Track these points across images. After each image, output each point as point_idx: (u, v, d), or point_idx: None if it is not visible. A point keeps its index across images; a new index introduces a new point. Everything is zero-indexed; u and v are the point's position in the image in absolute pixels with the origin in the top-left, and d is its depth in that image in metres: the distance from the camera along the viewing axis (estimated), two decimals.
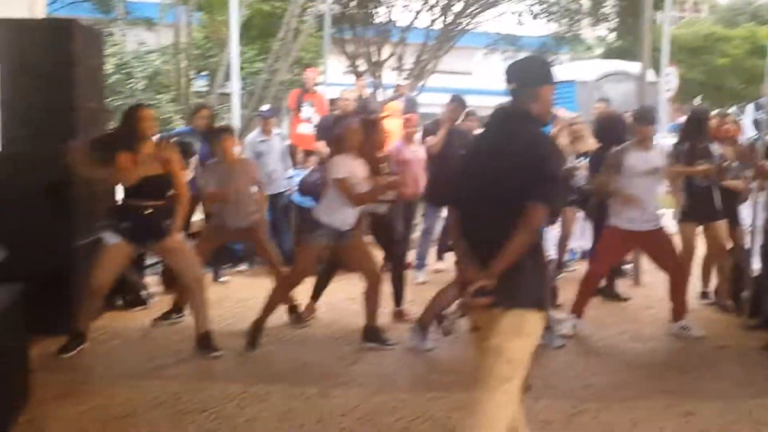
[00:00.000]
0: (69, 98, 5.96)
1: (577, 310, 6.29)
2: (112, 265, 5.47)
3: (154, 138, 5.43)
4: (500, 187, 3.24)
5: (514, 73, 3.42)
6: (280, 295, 6.01)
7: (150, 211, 5.40)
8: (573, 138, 7.91)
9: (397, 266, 6.73)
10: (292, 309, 6.46)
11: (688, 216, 6.92)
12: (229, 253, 8.15)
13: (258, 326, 5.83)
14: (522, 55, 4.57)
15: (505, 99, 3.47)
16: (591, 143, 7.75)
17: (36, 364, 4.86)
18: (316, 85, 10.67)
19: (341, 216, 5.70)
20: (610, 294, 7.51)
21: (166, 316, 6.39)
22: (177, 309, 6.39)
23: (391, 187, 6.07)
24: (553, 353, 5.77)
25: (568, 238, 8.06)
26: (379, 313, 6.01)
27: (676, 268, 6.24)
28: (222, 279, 7.84)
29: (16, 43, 5.94)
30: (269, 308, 5.90)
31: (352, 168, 5.67)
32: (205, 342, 5.61)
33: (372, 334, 5.92)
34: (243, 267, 8.45)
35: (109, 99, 13.48)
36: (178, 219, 5.48)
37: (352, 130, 5.75)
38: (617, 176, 6.19)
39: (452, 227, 3.56)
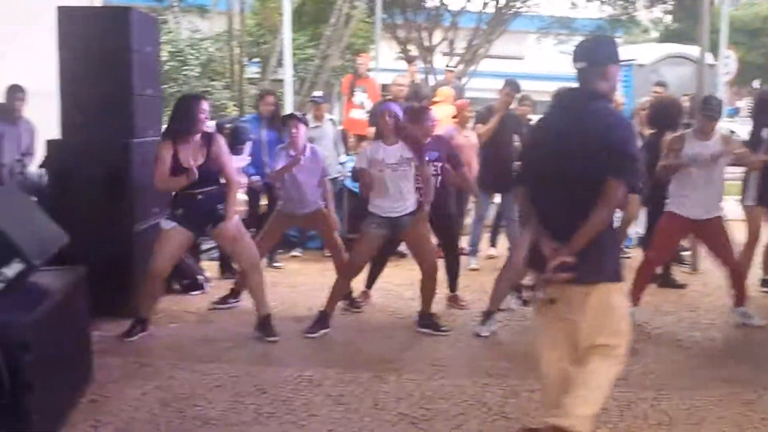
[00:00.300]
0: (127, 86, 6.03)
1: (634, 297, 6.21)
2: (171, 251, 5.55)
3: (210, 124, 5.44)
4: (575, 166, 3.31)
5: (582, 52, 3.47)
6: (343, 284, 6.03)
7: (201, 197, 5.46)
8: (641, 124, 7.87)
9: (451, 252, 6.71)
10: (347, 295, 6.50)
11: (758, 201, 6.76)
12: (283, 238, 8.21)
13: (324, 315, 5.87)
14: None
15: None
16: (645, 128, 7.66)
17: (97, 347, 4.95)
18: (368, 70, 10.68)
19: (390, 203, 5.70)
20: (667, 281, 7.40)
21: (223, 300, 6.46)
22: (234, 294, 6.46)
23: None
24: None
25: (631, 222, 7.97)
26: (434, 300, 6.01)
27: (732, 259, 6.13)
28: (276, 264, 7.91)
29: (75, 31, 6.01)
30: (334, 298, 5.94)
31: (382, 155, 5.65)
32: (264, 326, 5.68)
33: (427, 320, 5.92)
34: (296, 252, 8.51)
35: (165, 86, 13.68)
36: (229, 205, 5.52)
37: (382, 117, 5.70)
38: (677, 162, 6.08)
39: (521, 207, 3.64)
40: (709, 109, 6.11)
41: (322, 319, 5.86)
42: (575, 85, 3.48)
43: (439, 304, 6.34)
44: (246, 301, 6.17)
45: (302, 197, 6.30)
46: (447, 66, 12.85)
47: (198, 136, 5.43)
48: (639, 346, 5.61)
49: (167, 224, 5.52)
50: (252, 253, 5.71)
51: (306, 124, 6.50)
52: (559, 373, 3.54)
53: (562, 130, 3.42)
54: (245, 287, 6.02)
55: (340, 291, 6.02)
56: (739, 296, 6.21)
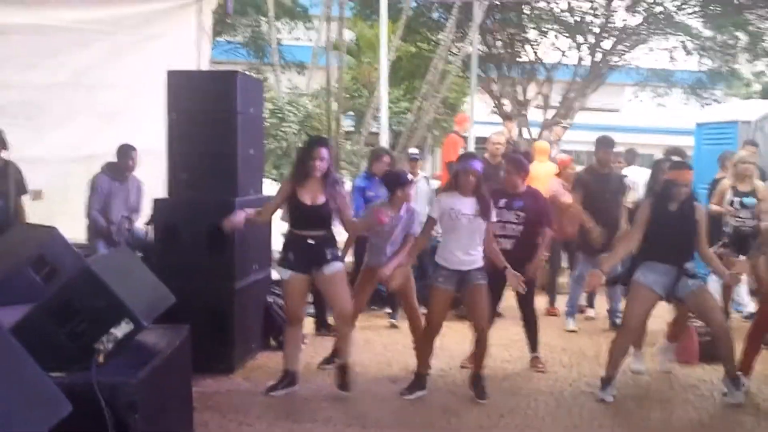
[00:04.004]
0: (231, 145, 6.21)
1: (745, 367, 5.95)
2: (297, 296, 5.69)
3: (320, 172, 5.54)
4: None
5: None
6: (425, 344, 5.90)
7: (311, 241, 5.56)
8: (737, 178, 7.67)
9: (528, 308, 6.57)
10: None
11: None
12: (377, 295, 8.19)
13: (420, 376, 5.83)
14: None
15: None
16: (759, 184, 7.46)
17: (196, 403, 5.02)
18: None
19: (452, 256, 5.65)
20: None
21: (329, 359, 6.38)
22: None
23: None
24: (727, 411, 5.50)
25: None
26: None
27: None
28: (394, 320, 7.86)
29: (184, 94, 6.25)
30: (421, 358, 5.86)
31: (458, 205, 5.62)
32: (341, 376, 5.69)
33: (476, 382, 5.79)
34: (388, 309, 8.46)
35: (265, 143, 14.02)
36: (346, 246, 5.75)
37: (465, 174, 5.65)
38: None
39: None
40: None
41: (419, 381, 5.81)
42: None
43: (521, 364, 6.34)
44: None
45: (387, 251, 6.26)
46: (558, 120, 12.29)
47: (319, 178, 5.55)
48: (748, 419, 5.38)
49: (284, 273, 5.65)
50: (347, 305, 5.70)
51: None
52: None
53: None
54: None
55: (424, 351, 5.90)
56: None
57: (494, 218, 5.77)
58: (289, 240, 5.68)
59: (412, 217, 6.26)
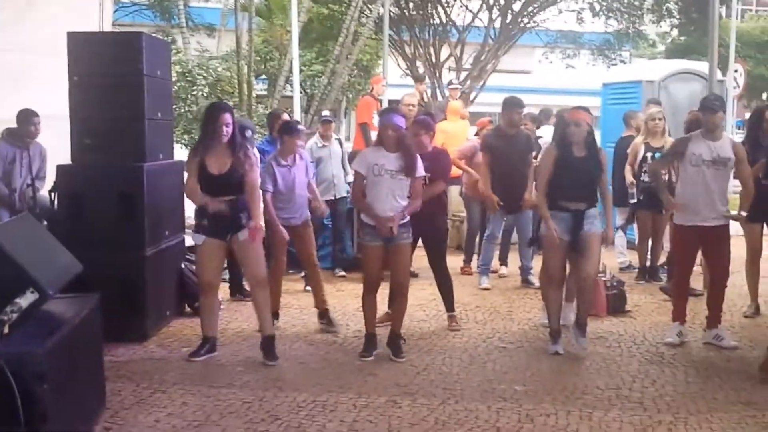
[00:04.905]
0: (138, 109, 6.06)
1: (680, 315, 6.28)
2: (211, 262, 5.63)
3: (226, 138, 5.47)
4: None
5: None
6: (367, 304, 5.87)
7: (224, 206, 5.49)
8: (649, 134, 7.91)
9: (441, 270, 6.63)
10: (323, 314, 6.51)
11: (753, 217, 6.67)
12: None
13: (370, 336, 5.85)
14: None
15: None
16: (669, 140, 7.70)
17: (109, 372, 4.94)
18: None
19: (383, 210, 5.63)
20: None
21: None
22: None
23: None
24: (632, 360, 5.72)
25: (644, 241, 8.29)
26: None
27: (724, 273, 6.13)
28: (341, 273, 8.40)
29: (86, 56, 6.06)
30: (366, 317, 5.87)
31: (383, 160, 5.64)
32: (267, 348, 5.66)
33: (394, 341, 5.85)
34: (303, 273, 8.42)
35: (175, 107, 13.70)
36: (253, 209, 5.55)
37: (385, 129, 5.73)
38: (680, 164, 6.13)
39: None
40: (705, 105, 6.04)
41: (370, 341, 5.83)
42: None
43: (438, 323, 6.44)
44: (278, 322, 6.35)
45: (294, 206, 6.39)
46: (450, 83, 12.81)
47: (225, 145, 5.47)
48: (653, 369, 5.59)
49: (198, 238, 5.58)
50: (260, 269, 5.68)
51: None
52: None
53: None
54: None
55: (368, 311, 5.87)
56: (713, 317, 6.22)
57: (419, 174, 5.75)
58: (202, 207, 5.58)
59: (306, 165, 6.52)
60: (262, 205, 5.96)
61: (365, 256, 5.83)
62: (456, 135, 9.72)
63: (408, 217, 5.73)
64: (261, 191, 5.97)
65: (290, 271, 7.80)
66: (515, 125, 7.95)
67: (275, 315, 6.33)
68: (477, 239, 8.75)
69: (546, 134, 8.98)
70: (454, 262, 7.70)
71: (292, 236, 6.40)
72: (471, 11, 20.40)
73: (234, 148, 5.52)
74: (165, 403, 4.82)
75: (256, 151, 6.90)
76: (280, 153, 6.48)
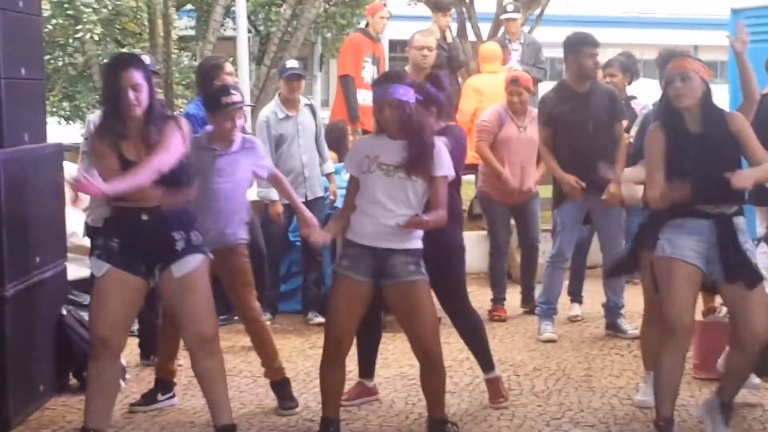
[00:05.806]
0: None
1: None
2: (114, 307, 4.02)
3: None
4: None
5: None
6: (325, 372, 4.17)
7: (146, 217, 3.99)
8: None
9: (461, 315, 4.69)
10: (279, 386, 4.70)
11: None
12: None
13: (326, 420, 4.16)
14: None
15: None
16: None
17: None
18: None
19: (359, 225, 4.10)
20: None
21: (148, 398, 4.67)
22: (163, 386, 4.68)
23: None
24: None
25: None
26: None
27: None
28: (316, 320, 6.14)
29: None
30: (323, 392, 4.20)
31: (378, 150, 4.09)
32: None
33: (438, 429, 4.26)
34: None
35: (48, 57, 10.84)
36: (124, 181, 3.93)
37: (381, 108, 4.11)
38: None
39: None
40: None
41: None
42: None
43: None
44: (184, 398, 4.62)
45: (218, 224, 4.49)
46: (505, 9, 9.18)
47: (140, 117, 3.95)
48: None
49: (98, 267, 4.00)
50: (207, 323, 3.98)
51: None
52: None
53: None
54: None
55: (326, 384, 4.14)
56: None
57: (441, 173, 4.07)
58: (113, 218, 4.06)
59: (255, 152, 4.62)
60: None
61: (333, 292, 4.13)
62: (495, 95, 7.03)
63: (419, 242, 4.02)
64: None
65: (235, 318, 5.57)
66: (588, 76, 5.72)
67: (166, 385, 4.66)
68: (505, 262, 6.62)
69: (642, 92, 6.79)
70: (479, 299, 6.04)
71: (218, 266, 4.43)
72: None
73: (152, 119, 3.96)
74: None
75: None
76: (209, 137, 4.60)
